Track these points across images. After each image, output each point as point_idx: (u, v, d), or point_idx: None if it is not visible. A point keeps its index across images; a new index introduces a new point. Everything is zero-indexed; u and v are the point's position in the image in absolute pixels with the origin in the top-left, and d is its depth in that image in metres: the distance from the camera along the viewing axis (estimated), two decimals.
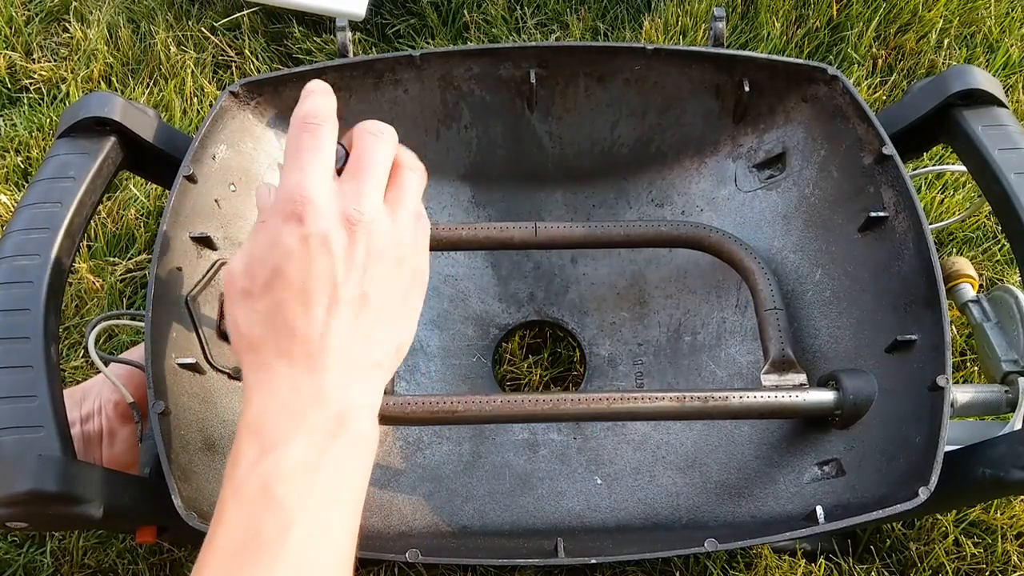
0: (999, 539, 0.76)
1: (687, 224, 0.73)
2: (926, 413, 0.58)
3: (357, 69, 0.72)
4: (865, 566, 0.76)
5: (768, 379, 0.65)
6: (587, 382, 0.79)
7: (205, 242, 0.65)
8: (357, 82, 0.73)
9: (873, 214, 0.65)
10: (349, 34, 0.73)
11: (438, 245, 0.71)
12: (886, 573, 0.76)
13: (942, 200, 0.94)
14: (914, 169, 0.89)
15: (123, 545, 0.77)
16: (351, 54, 0.73)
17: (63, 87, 1.04)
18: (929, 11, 1.05)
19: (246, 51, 1.05)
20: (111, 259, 0.92)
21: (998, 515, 0.77)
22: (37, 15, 1.10)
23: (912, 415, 0.59)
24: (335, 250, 0.39)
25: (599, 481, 0.72)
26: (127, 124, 0.64)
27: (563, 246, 0.72)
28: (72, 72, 1.04)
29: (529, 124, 0.79)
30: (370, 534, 0.66)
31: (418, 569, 0.77)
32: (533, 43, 0.74)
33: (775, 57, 0.72)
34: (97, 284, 0.89)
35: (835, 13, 1.06)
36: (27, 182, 0.87)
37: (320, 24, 1.07)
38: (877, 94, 1.02)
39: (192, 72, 1.03)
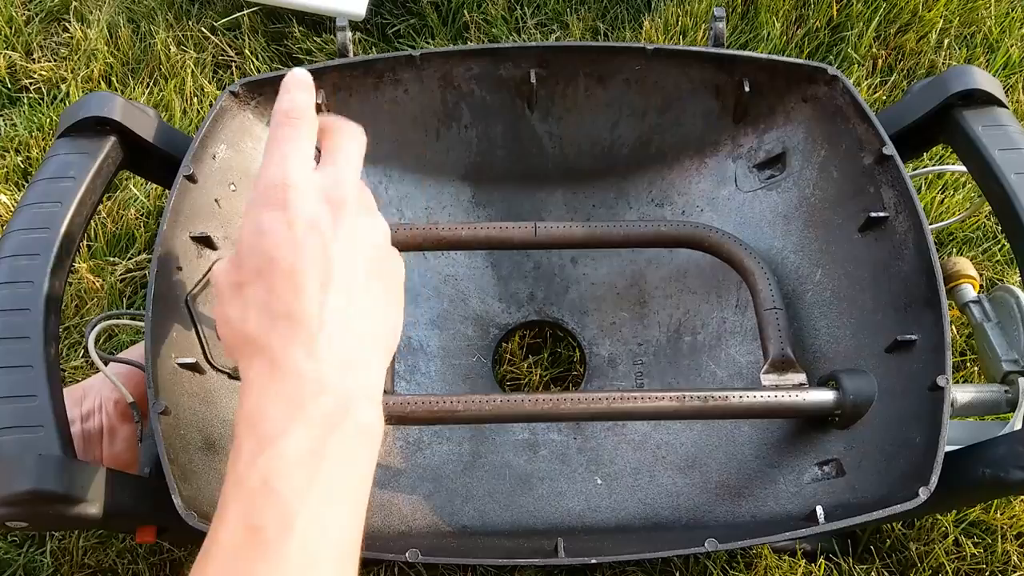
0: (999, 539, 0.76)
1: (687, 224, 0.73)
2: (926, 413, 0.58)
3: (357, 69, 0.72)
4: (865, 566, 0.76)
5: (768, 379, 0.65)
6: (587, 382, 0.79)
7: (205, 242, 0.65)
8: (357, 82, 0.73)
9: (873, 214, 0.65)
10: (349, 34, 0.73)
11: (438, 245, 0.71)
12: (886, 573, 0.76)
13: (942, 200, 0.94)
14: (914, 169, 0.89)
15: (123, 545, 0.77)
16: (351, 54, 0.73)
17: (63, 87, 1.04)
18: (929, 11, 1.05)
19: (246, 51, 1.05)
20: (111, 259, 0.92)
21: (998, 515, 0.77)
22: (37, 15, 1.10)
23: (912, 415, 0.59)
24: (323, 230, 0.39)
25: (599, 481, 0.72)
26: (127, 124, 0.64)
27: (563, 246, 0.72)
28: (72, 72, 1.04)
29: (529, 124, 0.79)
30: (370, 534, 0.66)
31: (418, 569, 0.77)
32: (533, 43, 0.74)
33: (775, 57, 0.72)
34: (97, 284, 0.89)
35: (835, 13, 1.06)
36: (27, 182, 0.87)
37: (320, 24, 1.07)
38: (877, 94, 1.02)
39: (192, 72, 1.03)
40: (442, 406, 0.61)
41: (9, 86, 1.05)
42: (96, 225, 0.93)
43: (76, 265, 0.88)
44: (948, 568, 0.75)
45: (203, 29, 1.07)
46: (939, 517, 0.77)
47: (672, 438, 0.73)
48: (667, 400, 0.61)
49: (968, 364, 0.85)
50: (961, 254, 0.92)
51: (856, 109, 0.68)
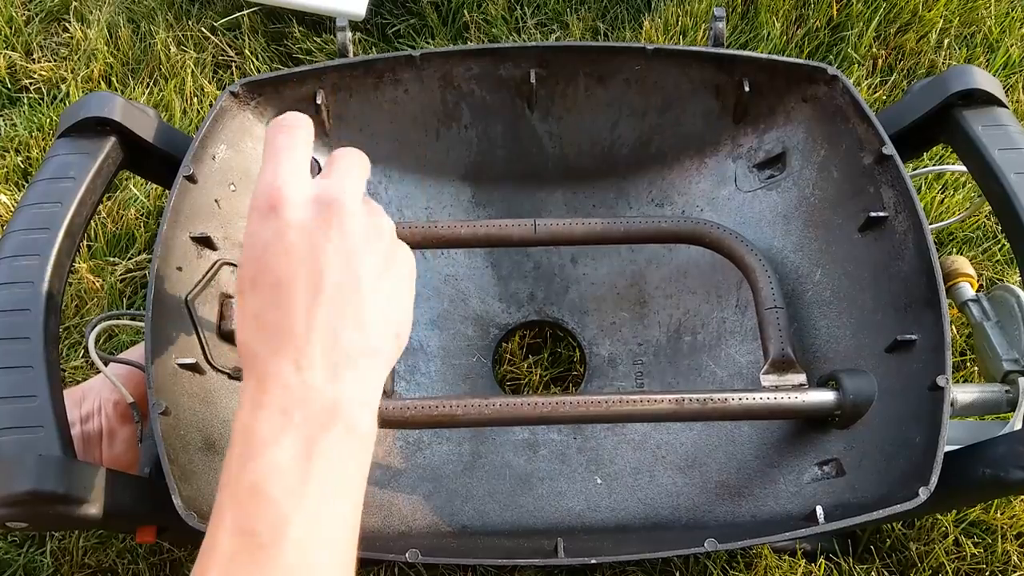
0: (999, 539, 0.76)
1: (688, 220, 0.72)
2: (926, 413, 0.58)
3: (357, 69, 0.72)
4: (865, 566, 0.76)
5: (768, 379, 0.65)
6: (587, 382, 0.79)
7: (205, 242, 0.65)
8: (357, 82, 0.73)
9: (873, 214, 0.65)
10: (349, 34, 0.73)
11: (437, 243, 0.70)
12: (886, 573, 0.76)
13: (942, 200, 0.94)
14: (914, 169, 0.89)
15: (123, 545, 0.77)
16: (351, 54, 0.73)
17: (63, 87, 1.04)
18: (929, 11, 1.05)
19: (246, 51, 1.05)
20: (111, 259, 0.92)
21: (998, 515, 0.77)
22: (37, 15, 1.10)
23: (912, 415, 0.59)
24: (314, 236, 0.39)
25: (599, 481, 0.72)
26: (127, 124, 0.64)
27: (562, 243, 0.71)
28: (72, 72, 1.04)
29: (529, 124, 0.79)
30: (370, 534, 0.66)
31: (418, 569, 0.77)
32: (533, 43, 0.74)
33: (775, 57, 0.72)
34: (97, 284, 0.89)
35: (835, 13, 1.06)
36: (27, 182, 0.87)
37: (320, 24, 1.07)
38: (877, 94, 1.02)
39: (192, 72, 1.03)
40: (441, 410, 0.61)
41: (9, 86, 1.05)
42: (96, 225, 0.93)
43: (76, 265, 0.88)
44: (948, 568, 0.75)
45: (203, 29, 1.07)
46: (939, 517, 0.77)
47: (672, 438, 0.73)
48: (666, 403, 0.60)
49: (968, 364, 0.85)
50: (961, 254, 0.92)
51: (856, 109, 0.68)
